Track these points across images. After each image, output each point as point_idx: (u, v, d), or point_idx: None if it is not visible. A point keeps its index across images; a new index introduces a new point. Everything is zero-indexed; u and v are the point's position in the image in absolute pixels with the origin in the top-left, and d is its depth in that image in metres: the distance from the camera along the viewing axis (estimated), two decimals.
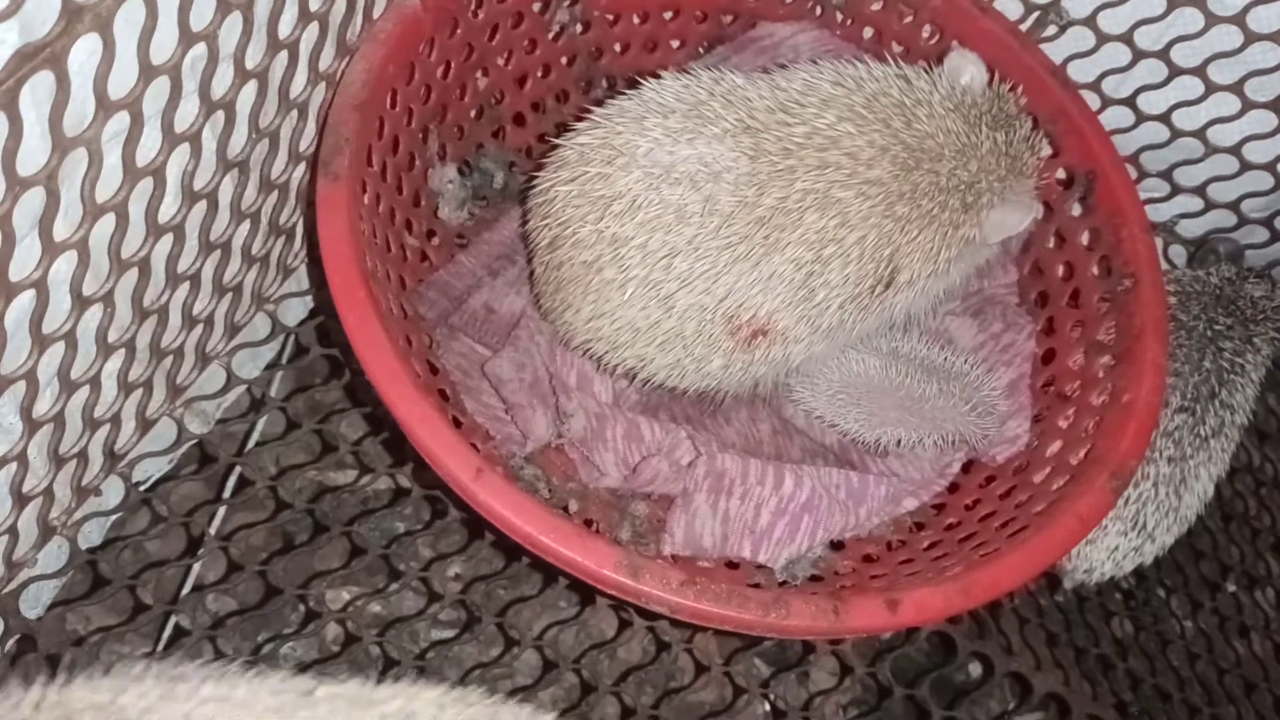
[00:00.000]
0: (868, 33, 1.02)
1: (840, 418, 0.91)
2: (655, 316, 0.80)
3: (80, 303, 0.67)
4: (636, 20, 1.02)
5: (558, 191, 0.80)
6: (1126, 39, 1.00)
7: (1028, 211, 0.81)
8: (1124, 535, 0.94)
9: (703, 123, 0.77)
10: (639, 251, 0.78)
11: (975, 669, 0.98)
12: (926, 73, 0.81)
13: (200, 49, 0.64)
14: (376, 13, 0.83)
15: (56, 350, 0.68)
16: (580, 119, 0.82)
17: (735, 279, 0.78)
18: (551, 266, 0.83)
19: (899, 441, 0.90)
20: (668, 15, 1.02)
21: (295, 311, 0.95)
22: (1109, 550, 0.94)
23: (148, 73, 0.61)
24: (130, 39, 0.59)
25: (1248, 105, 1.01)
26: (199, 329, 0.84)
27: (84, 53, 0.55)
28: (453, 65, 0.90)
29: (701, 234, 0.77)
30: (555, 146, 0.82)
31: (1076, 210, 0.94)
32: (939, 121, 0.78)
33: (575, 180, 0.79)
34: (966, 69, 0.82)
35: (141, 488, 0.87)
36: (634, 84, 0.82)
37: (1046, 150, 0.85)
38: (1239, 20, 0.96)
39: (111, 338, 0.72)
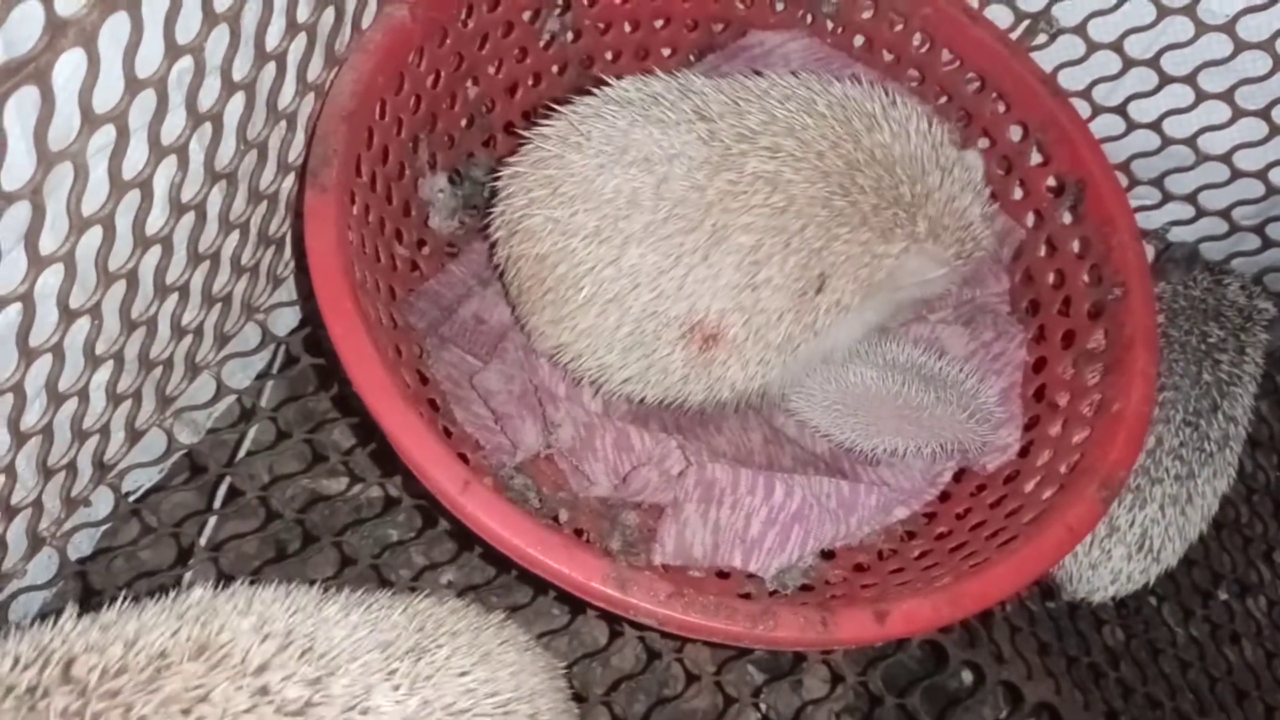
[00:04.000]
0: (858, 41, 1.02)
1: (837, 429, 0.90)
2: (613, 318, 0.80)
3: (68, 315, 0.67)
4: (628, 29, 1.02)
5: (517, 173, 0.81)
6: (1116, 47, 1.00)
7: (945, 269, 0.83)
8: (1128, 559, 0.94)
9: (660, 109, 0.79)
10: (590, 241, 0.78)
11: (967, 677, 0.98)
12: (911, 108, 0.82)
13: (186, 61, 0.64)
14: (365, 23, 0.83)
15: (44, 362, 0.68)
16: None
17: (685, 272, 0.78)
18: (512, 263, 0.83)
19: (896, 451, 0.90)
20: (659, 24, 1.02)
21: (285, 321, 0.95)
22: (1113, 573, 0.94)
23: (133, 86, 0.61)
24: (115, 53, 0.58)
25: (1238, 113, 1.01)
26: (188, 339, 0.84)
27: (69, 67, 0.55)
28: (442, 74, 0.90)
29: (653, 221, 0.77)
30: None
31: (1067, 219, 0.94)
32: (904, 143, 0.80)
33: (532, 163, 0.80)
34: (979, 167, 0.85)
35: (131, 498, 0.87)
36: None
37: (984, 247, 0.86)
38: (1229, 29, 0.96)
39: (100, 349, 0.72)
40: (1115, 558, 0.93)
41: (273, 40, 0.72)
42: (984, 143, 0.99)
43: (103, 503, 0.84)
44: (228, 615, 0.58)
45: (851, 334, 0.87)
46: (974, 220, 0.82)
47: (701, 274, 0.78)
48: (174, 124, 0.67)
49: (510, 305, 0.88)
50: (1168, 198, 1.09)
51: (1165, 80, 1.01)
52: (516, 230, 0.82)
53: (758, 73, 0.86)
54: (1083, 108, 1.02)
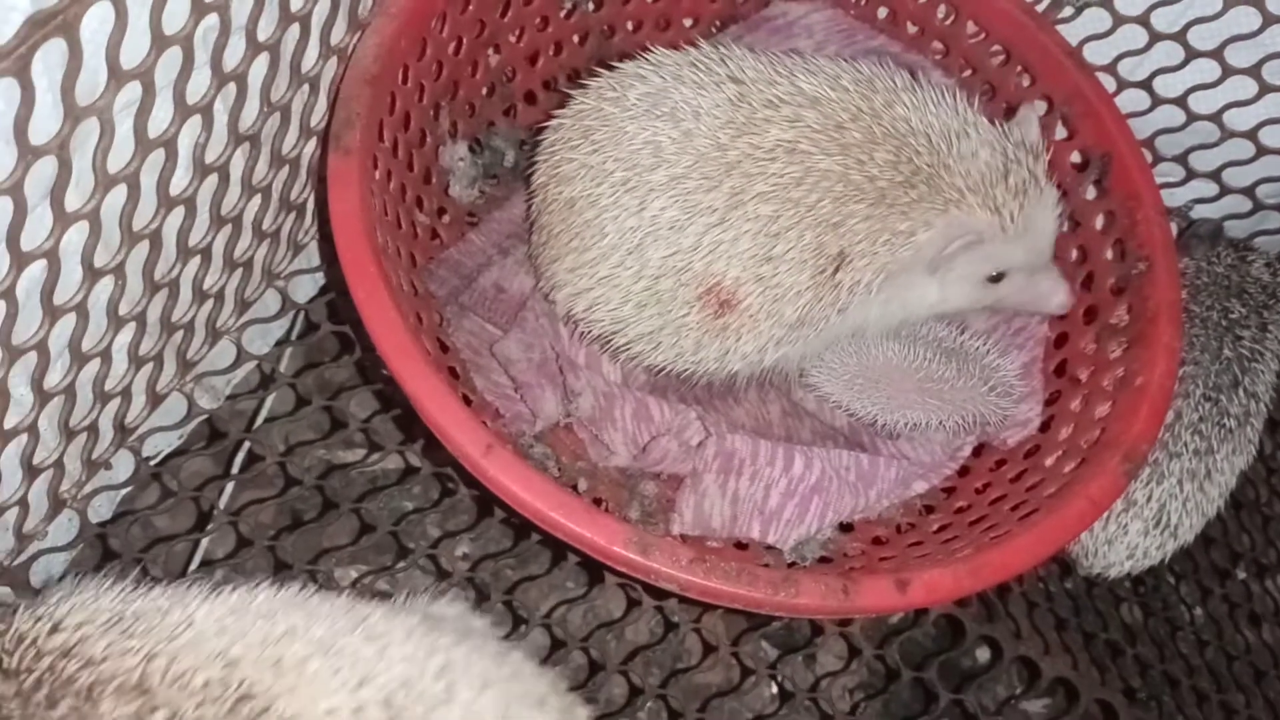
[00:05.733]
0: (882, 12, 1.01)
1: (859, 403, 0.90)
2: (633, 269, 0.81)
3: (92, 274, 0.67)
4: None
5: (560, 123, 0.83)
6: (1143, 21, 0.99)
7: (970, 236, 0.79)
8: (1145, 534, 0.93)
9: (696, 72, 0.79)
10: (617, 189, 0.79)
11: (983, 653, 0.98)
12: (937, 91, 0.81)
13: (212, 19, 0.64)
14: None
15: (68, 321, 0.68)
16: None
17: (702, 230, 0.78)
18: (544, 208, 0.84)
19: (917, 424, 0.90)
20: None
21: (306, 288, 0.95)
22: (1129, 548, 0.93)
23: (160, 42, 0.61)
24: (142, 8, 0.58)
25: (1265, 89, 1.00)
26: (209, 303, 0.84)
27: (96, 20, 0.55)
28: (464, 41, 0.90)
29: (676, 174, 0.78)
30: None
31: (1091, 193, 0.93)
32: (921, 114, 0.79)
33: (573, 114, 0.82)
34: (1032, 124, 0.83)
35: (151, 462, 0.87)
36: None
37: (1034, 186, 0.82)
38: (1257, 2, 0.95)
39: (123, 310, 0.72)
40: (1132, 533, 0.92)
41: (297, 1, 0.72)
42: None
43: (123, 466, 0.85)
44: None
45: (887, 315, 0.85)
46: (1005, 175, 0.79)
47: (719, 235, 0.78)
48: (199, 83, 0.66)
49: (532, 264, 0.88)
50: (1191, 175, 1.08)
51: (1192, 55, 1.00)
52: (554, 174, 0.83)
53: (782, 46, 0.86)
54: (1108, 82, 1.01)
